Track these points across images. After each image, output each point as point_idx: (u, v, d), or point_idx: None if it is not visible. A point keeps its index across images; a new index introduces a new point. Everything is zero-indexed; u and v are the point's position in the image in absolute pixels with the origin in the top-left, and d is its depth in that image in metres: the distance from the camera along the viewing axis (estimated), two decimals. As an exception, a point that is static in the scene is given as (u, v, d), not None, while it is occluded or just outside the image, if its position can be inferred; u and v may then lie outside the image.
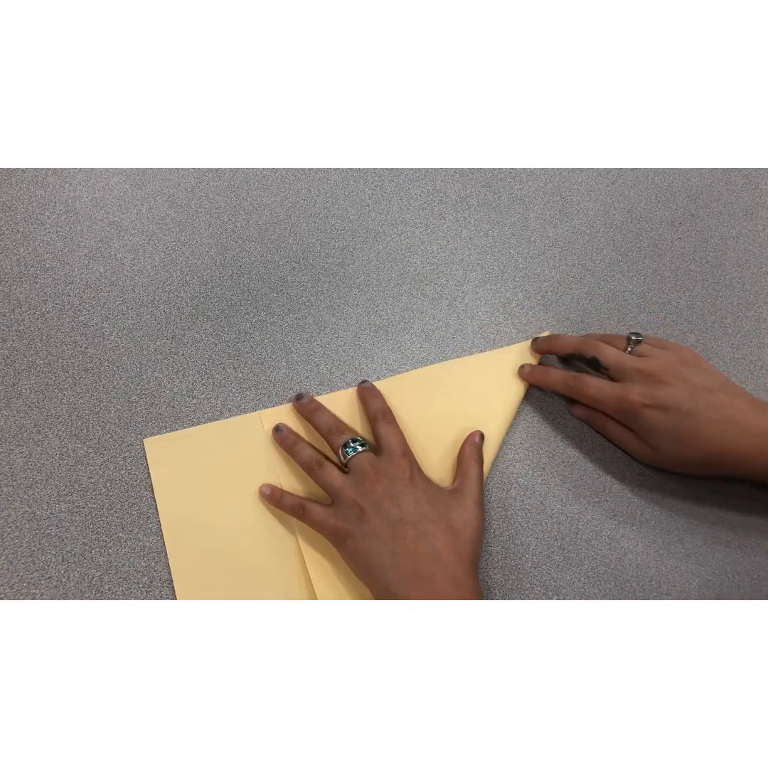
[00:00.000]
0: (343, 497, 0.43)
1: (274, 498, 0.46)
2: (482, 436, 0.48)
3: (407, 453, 0.45)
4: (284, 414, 0.49)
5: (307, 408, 0.48)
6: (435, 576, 0.39)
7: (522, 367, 0.51)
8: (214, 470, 0.47)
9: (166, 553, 0.44)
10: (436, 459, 0.48)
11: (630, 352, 0.48)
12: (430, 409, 0.50)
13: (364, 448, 0.44)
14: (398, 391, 0.50)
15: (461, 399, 0.50)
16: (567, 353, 0.50)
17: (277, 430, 0.48)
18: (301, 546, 0.45)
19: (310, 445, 0.47)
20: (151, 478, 0.46)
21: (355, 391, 0.50)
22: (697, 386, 0.45)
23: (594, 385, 0.47)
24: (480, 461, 0.47)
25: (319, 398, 0.49)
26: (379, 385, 0.50)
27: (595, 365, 0.48)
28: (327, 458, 0.46)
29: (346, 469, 0.44)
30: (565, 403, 0.51)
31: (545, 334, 0.53)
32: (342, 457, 0.45)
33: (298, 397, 0.49)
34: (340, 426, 0.46)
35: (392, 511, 0.41)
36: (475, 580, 0.41)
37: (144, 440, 0.47)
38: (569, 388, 0.48)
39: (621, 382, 0.47)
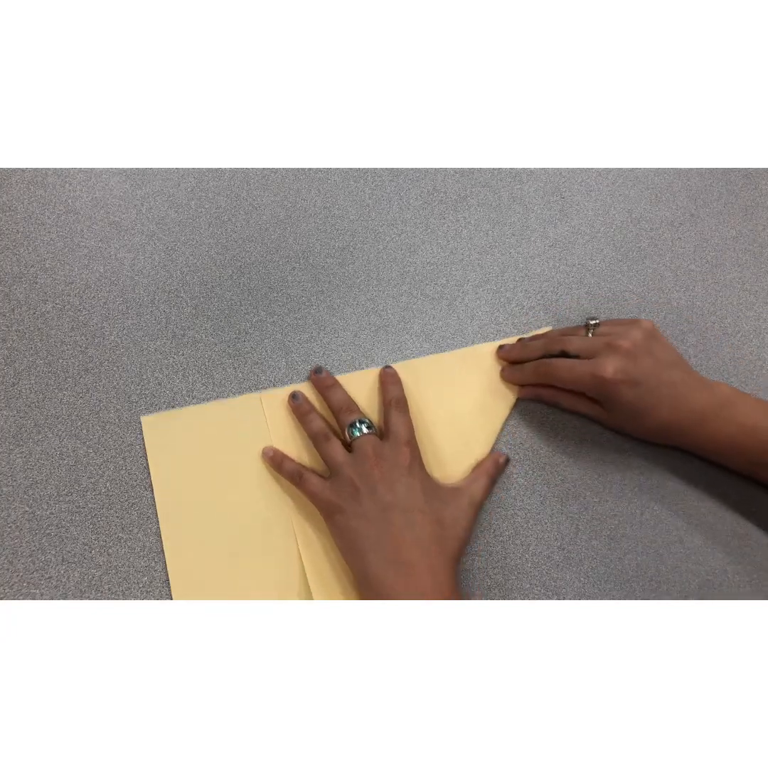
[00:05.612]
0: (341, 473, 0.44)
1: (275, 461, 0.46)
2: (507, 460, 0.49)
3: (411, 443, 0.45)
4: (285, 397, 0.49)
5: (323, 383, 0.49)
6: (415, 563, 0.40)
7: (502, 370, 0.51)
8: (212, 449, 0.47)
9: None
10: (444, 451, 0.49)
11: (592, 336, 0.48)
12: (444, 399, 0.50)
13: (370, 430, 0.45)
14: (418, 376, 0.51)
15: (470, 390, 0.51)
16: (537, 357, 0.50)
17: (294, 397, 0.48)
18: (295, 527, 0.46)
19: (322, 418, 0.48)
20: (147, 457, 0.46)
21: (375, 373, 0.51)
22: (660, 360, 0.46)
23: (564, 366, 0.47)
24: (493, 478, 0.47)
25: (339, 377, 0.50)
26: (400, 367, 0.51)
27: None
28: (335, 434, 0.47)
29: (351, 449, 0.45)
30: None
31: (545, 329, 0.54)
32: (348, 436, 0.46)
33: (317, 371, 0.50)
34: (351, 406, 0.47)
35: (385, 496, 0.42)
36: (453, 576, 0.41)
37: (142, 417, 0.48)
38: (540, 375, 0.49)
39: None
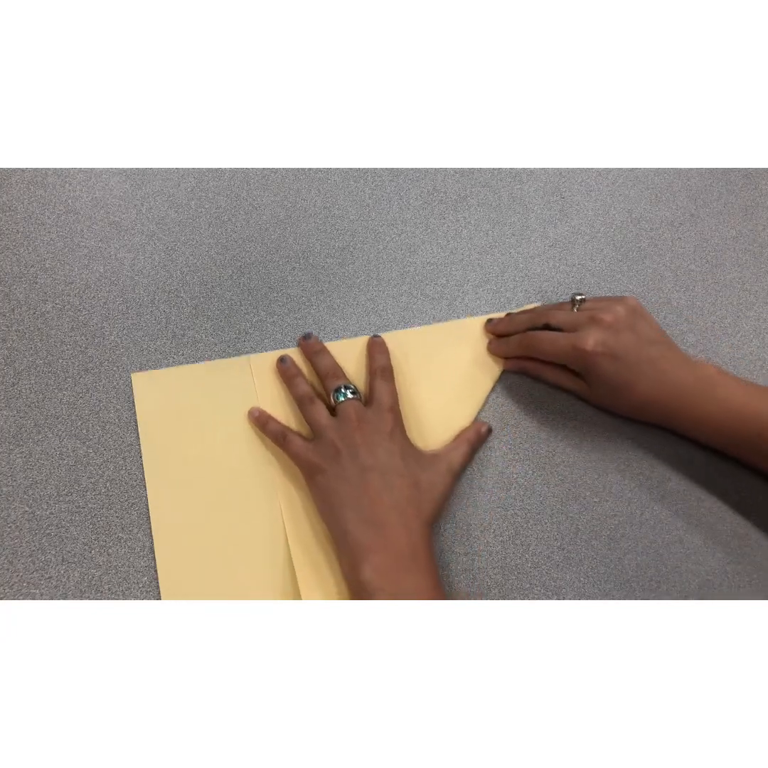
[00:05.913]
0: (324, 436, 0.45)
1: (260, 421, 0.47)
2: (490, 430, 0.49)
3: (394, 410, 0.46)
4: (274, 360, 0.50)
5: (312, 348, 0.50)
6: (391, 524, 0.41)
7: (489, 343, 0.52)
8: (200, 408, 0.48)
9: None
10: (428, 420, 0.49)
11: (577, 311, 0.49)
12: (430, 369, 0.51)
13: (355, 396, 0.46)
14: (405, 346, 0.51)
15: (456, 362, 0.51)
16: (523, 331, 0.51)
17: (282, 360, 0.49)
18: (278, 487, 0.46)
19: (308, 382, 0.48)
20: (136, 415, 0.47)
21: (363, 341, 0.51)
22: (642, 337, 0.46)
23: (547, 338, 0.48)
24: (473, 447, 0.48)
25: (329, 345, 0.50)
26: (388, 336, 0.51)
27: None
28: (320, 398, 0.48)
29: (335, 413, 0.46)
30: (566, 404, 0.51)
31: (531, 306, 0.54)
32: (332, 401, 0.46)
33: (306, 337, 0.50)
34: (337, 372, 0.48)
35: (366, 459, 0.43)
36: (428, 538, 0.42)
37: (132, 374, 0.48)
38: (524, 347, 0.49)
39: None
